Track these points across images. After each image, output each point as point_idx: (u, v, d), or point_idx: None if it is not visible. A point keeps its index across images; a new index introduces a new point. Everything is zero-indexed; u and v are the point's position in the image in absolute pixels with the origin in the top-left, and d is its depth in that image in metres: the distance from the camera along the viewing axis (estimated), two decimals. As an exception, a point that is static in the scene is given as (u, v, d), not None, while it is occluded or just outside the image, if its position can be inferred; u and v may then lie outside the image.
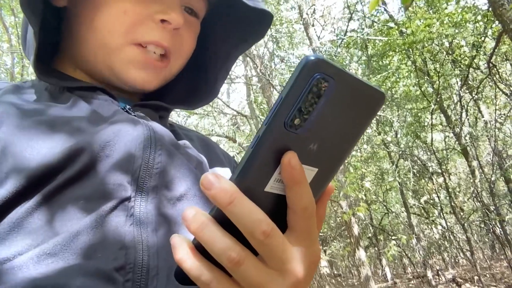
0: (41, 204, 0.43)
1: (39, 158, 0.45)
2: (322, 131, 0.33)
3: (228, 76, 0.76)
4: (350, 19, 9.28)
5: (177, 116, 9.89)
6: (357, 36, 8.76)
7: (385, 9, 8.60)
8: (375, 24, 8.96)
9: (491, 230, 8.40)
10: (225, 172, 0.67)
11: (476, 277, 8.56)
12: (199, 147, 0.68)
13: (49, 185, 0.44)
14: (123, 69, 0.60)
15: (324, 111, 0.31)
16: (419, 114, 9.48)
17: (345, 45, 9.19)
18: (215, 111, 9.99)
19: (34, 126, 0.48)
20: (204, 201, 0.54)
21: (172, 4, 0.61)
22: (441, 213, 9.04)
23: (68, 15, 0.63)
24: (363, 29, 8.99)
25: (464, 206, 9.06)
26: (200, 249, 0.34)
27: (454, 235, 9.77)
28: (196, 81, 0.76)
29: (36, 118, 0.50)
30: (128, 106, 0.60)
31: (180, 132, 0.69)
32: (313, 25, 7.94)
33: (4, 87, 0.58)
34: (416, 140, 10.01)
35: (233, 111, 10.49)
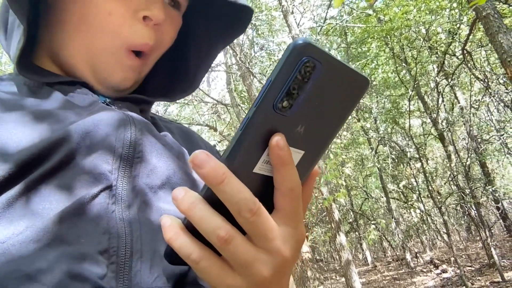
0: (24, 193, 0.43)
1: (21, 148, 0.45)
2: (309, 114, 0.33)
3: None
4: (329, 6, 9.29)
5: (157, 105, 9.77)
6: (336, 24, 8.78)
7: (363, -4, 8.64)
8: (353, 11, 9.00)
9: (467, 212, 8.64)
10: None
11: (452, 258, 8.85)
12: (180, 139, 0.69)
13: (31, 175, 0.44)
14: (108, 71, 0.59)
15: (311, 94, 0.32)
16: (397, 101, 9.64)
17: (325, 32, 9.22)
18: (196, 100, 9.91)
19: (14, 118, 0.48)
20: None
21: None
22: (419, 197, 9.24)
23: (49, 7, 0.61)
24: (342, 16, 9.02)
25: (441, 190, 9.28)
26: (190, 228, 0.34)
27: (432, 218, 10.01)
28: (176, 73, 0.76)
29: (16, 111, 0.50)
30: (108, 100, 0.60)
31: (161, 124, 0.69)
32: (292, 12, 7.91)
33: None
34: (394, 126, 10.19)
35: (213, 100, 10.42)
